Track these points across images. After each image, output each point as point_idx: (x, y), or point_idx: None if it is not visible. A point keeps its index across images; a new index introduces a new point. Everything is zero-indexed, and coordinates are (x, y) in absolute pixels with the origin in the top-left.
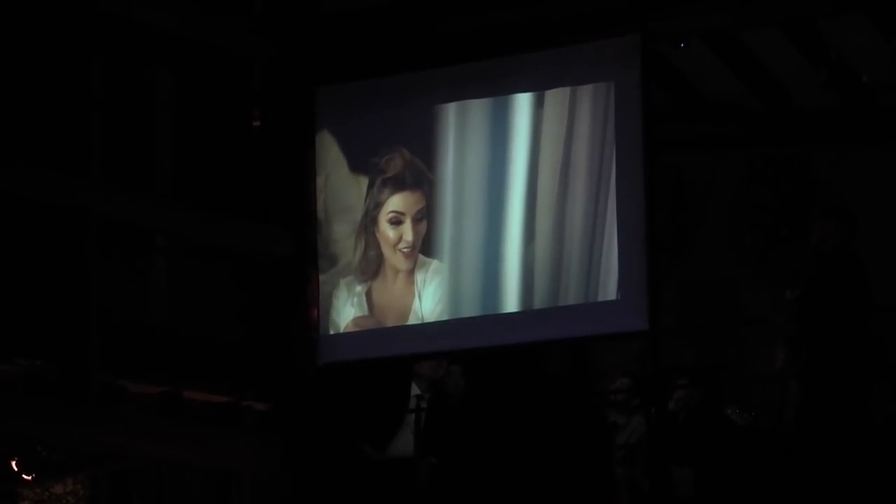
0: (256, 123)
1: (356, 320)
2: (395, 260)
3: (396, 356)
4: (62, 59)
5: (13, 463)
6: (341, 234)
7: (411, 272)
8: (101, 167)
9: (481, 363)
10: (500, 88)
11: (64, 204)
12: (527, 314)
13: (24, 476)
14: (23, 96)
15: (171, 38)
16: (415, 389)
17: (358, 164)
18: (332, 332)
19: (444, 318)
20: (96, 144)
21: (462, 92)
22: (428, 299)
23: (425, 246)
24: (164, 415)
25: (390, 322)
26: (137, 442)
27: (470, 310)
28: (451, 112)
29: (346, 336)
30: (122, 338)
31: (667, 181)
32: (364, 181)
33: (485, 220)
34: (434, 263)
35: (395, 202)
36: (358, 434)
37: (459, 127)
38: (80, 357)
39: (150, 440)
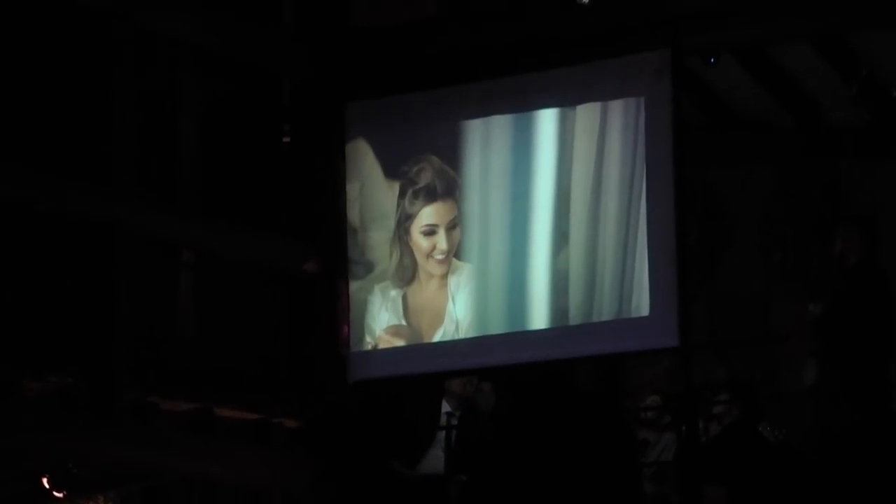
0: (286, 139)
1: (391, 329)
2: (430, 266)
3: (427, 373)
4: (90, 72)
5: (44, 479)
6: (377, 241)
7: (445, 276)
8: (129, 182)
9: (512, 380)
10: (529, 104)
11: (92, 219)
12: (557, 330)
13: (55, 493)
14: (50, 109)
15: (201, 51)
16: (445, 407)
17: (390, 170)
18: (367, 339)
19: (477, 323)
20: (124, 159)
21: (491, 107)
22: (461, 302)
23: (459, 250)
24: (195, 432)
25: (425, 326)
26: (169, 459)
27: (495, 320)
28: (475, 125)
29: (377, 353)
30: (150, 354)
31: (697, 196)
32: (397, 187)
33: (509, 232)
34: (468, 267)
35: (428, 215)
36: (389, 451)
37: (483, 139)
38: (109, 373)
39: (181, 457)
